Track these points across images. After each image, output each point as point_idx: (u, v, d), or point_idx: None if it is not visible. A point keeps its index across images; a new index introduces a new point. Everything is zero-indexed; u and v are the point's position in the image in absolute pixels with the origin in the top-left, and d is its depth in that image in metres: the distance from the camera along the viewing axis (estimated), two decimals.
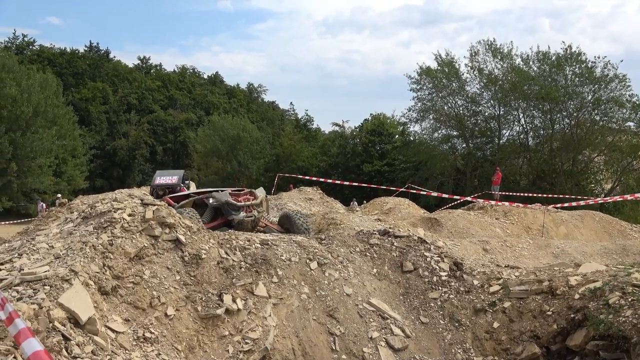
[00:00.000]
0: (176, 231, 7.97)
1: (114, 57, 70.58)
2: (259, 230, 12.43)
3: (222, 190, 12.64)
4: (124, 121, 61.00)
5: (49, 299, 6.09)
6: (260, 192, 13.00)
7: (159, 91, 66.40)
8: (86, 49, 67.69)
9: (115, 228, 7.56)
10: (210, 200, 11.99)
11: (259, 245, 8.61)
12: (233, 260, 8.21)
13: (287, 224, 12.64)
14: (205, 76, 76.86)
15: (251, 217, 11.89)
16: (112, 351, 6.11)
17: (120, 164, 58.68)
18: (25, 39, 63.83)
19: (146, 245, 7.60)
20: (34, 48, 63.50)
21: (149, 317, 6.96)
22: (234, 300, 7.65)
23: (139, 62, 73.04)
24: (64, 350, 5.71)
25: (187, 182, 16.74)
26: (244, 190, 12.86)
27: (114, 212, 7.85)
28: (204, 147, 50.82)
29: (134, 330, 6.69)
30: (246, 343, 7.39)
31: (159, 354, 6.61)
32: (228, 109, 66.30)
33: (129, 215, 7.82)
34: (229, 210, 11.81)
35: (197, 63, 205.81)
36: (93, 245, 7.20)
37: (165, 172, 15.97)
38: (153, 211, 7.99)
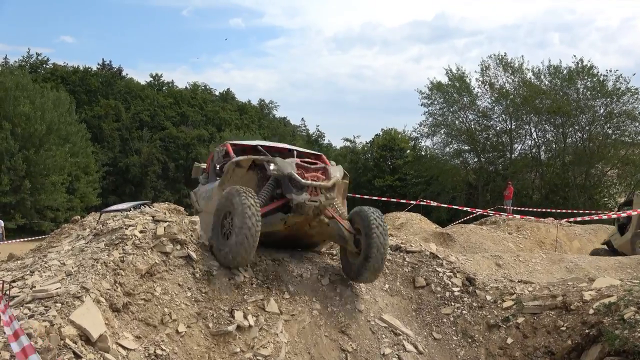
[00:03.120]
0: (187, 248, 7.96)
1: (127, 74, 71.00)
2: (322, 222, 8.93)
3: (289, 151, 10.11)
4: (136, 138, 61.22)
5: (60, 316, 6.09)
6: (337, 170, 9.07)
7: (171, 108, 66.61)
8: (99, 66, 68.13)
9: (126, 245, 7.56)
10: (271, 167, 8.55)
11: (270, 262, 8.57)
12: (244, 276, 8.17)
13: (360, 224, 8.84)
14: (217, 93, 77.16)
15: (316, 202, 8.43)
16: None
17: (133, 181, 58.83)
18: (39, 57, 64.46)
19: (157, 262, 7.59)
20: (48, 66, 63.98)
21: (160, 334, 6.93)
22: (245, 317, 7.61)
23: (151, 79, 73.45)
24: None
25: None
26: (317, 163, 9.18)
27: (125, 228, 7.85)
28: None
29: (145, 348, 6.66)
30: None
31: None
32: (240, 125, 66.52)
33: (140, 232, 7.82)
34: (290, 186, 8.46)
35: (208, 80, 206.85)
36: (104, 262, 7.20)
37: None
38: (164, 228, 7.99)
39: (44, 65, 64.08)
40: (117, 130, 60.29)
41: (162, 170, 60.48)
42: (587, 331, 7.64)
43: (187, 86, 74.74)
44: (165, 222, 8.10)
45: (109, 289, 6.89)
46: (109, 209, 15.27)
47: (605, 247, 19.25)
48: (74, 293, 6.51)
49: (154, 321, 7.01)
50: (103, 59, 69.92)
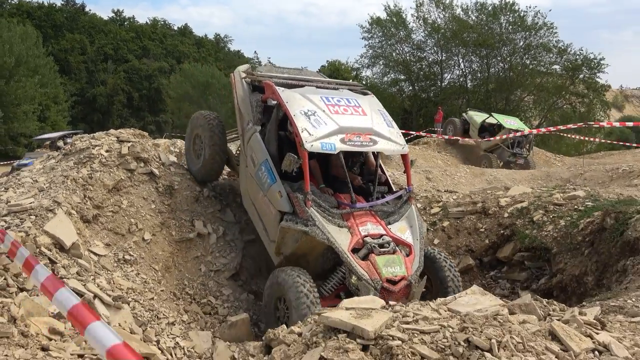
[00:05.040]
0: (150, 165, 7.85)
1: (90, 10, 68.08)
2: None
3: (385, 246, 5.89)
4: (101, 70, 59.29)
5: (34, 227, 6.01)
6: (422, 284, 5.96)
7: (133, 42, 64.40)
8: (63, 2, 65.06)
9: (94, 163, 7.41)
10: (352, 280, 5.71)
11: (226, 176, 8.54)
12: (203, 190, 8.15)
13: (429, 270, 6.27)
14: (176, 28, 74.76)
15: None
16: (95, 272, 6.08)
17: (100, 110, 57.21)
18: None
19: (123, 178, 7.49)
20: (13, 2, 60.76)
21: (128, 242, 6.93)
22: (204, 225, 7.64)
23: (113, 14, 70.57)
24: (51, 272, 5.67)
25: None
26: (401, 281, 5.74)
27: (92, 148, 7.68)
28: (177, 93, 49.90)
29: (114, 254, 6.65)
30: (217, 264, 7.43)
31: (138, 274, 6.61)
32: (197, 58, 64.85)
33: (106, 151, 7.66)
34: None
35: (167, 15, 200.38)
36: (74, 179, 7.06)
37: None
38: (128, 147, 7.83)
39: (9, 1, 60.83)
40: (83, 62, 58.27)
41: (127, 100, 59.01)
42: (502, 232, 7.94)
43: (148, 21, 72.31)
44: (129, 142, 7.94)
45: (79, 203, 6.79)
46: (41, 136, 15.07)
47: None
48: (46, 206, 6.40)
49: (121, 230, 6.99)
50: None
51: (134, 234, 7.05)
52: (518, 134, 19.19)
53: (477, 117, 22.75)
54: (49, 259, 5.75)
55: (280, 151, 6.60)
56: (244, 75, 7.76)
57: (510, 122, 21.82)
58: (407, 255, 5.96)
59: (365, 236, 5.84)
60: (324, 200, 6.08)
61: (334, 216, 5.93)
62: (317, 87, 7.21)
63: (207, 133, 7.79)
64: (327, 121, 6.24)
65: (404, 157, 6.96)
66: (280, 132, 6.97)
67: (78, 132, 19.72)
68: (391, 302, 4.65)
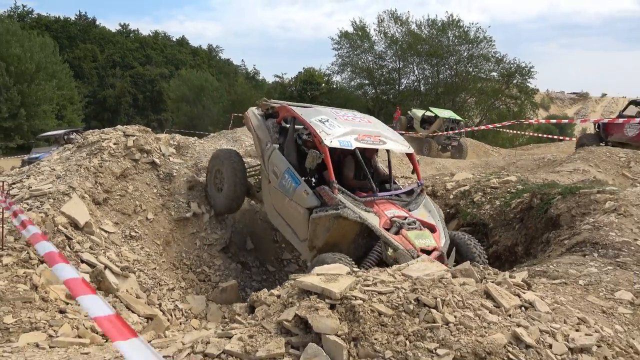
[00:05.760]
0: (152, 155, 7.74)
1: (100, 23, 66.44)
2: None
3: (411, 224, 5.40)
4: (110, 75, 58.08)
5: (53, 209, 5.93)
6: (452, 257, 5.53)
7: (137, 51, 63.21)
8: (76, 17, 63.52)
9: (103, 154, 7.31)
10: (389, 252, 5.19)
11: None
12: (198, 177, 8.08)
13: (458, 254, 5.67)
14: (174, 39, 73.44)
15: None
16: (105, 246, 6.03)
17: (110, 109, 56.13)
18: (25, 8, 59.35)
19: (129, 166, 7.39)
20: (33, 16, 58.99)
21: (134, 221, 6.86)
22: (199, 206, 7.58)
23: (120, 27, 69.05)
24: (67, 247, 5.61)
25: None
26: (434, 251, 5.27)
27: (102, 141, 7.56)
28: (175, 94, 49.33)
29: (122, 231, 6.59)
30: (209, 239, 7.40)
31: (143, 248, 6.57)
32: (193, 65, 63.79)
33: (114, 144, 7.55)
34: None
35: (167, 29, 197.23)
36: (86, 167, 6.96)
37: None
38: (133, 140, 7.73)
39: (30, 15, 59.15)
40: (95, 69, 57.13)
41: (132, 101, 58.02)
42: (448, 210, 7.98)
43: (150, 33, 70.83)
44: (134, 136, 7.84)
45: (91, 188, 6.71)
46: (46, 134, 14.80)
47: None
48: (63, 191, 6.32)
49: (128, 211, 6.92)
50: (80, 11, 65.48)
51: (138, 214, 6.98)
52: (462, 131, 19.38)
53: (419, 112, 23.14)
54: (66, 235, 5.69)
55: (299, 160, 6.30)
56: (256, 110, 7.52)
57: (444, 113, 22.20)
58: (433, 232, 5.54)
59: (392, 217, 5.41)
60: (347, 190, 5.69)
61: (359, 203, 5.49)
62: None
63: (228, 168, 7.15)
64: (340, 125, 6.04)
65: (410, 156, 6.57)
66: (298, 147, 6.63)
67: (79, 129, 19.48)
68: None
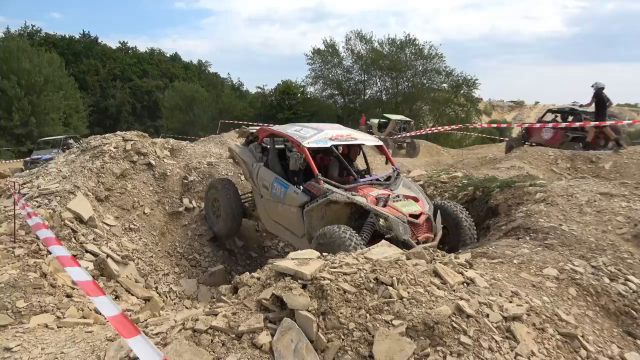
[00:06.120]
0: (148, 157, 7.63)
1: (102, 41, 64.99)
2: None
3: (396, 198, 5.30)
4: (111, 87, 56.75)
5: (60, 206, 5.80)
6: (439, 221, 5.32)
7: (135, 66, 61.94)
8: (80, 35, 62.00)
9: (105, 156, 7.16)
10: (381, 223, 4.93)
11: (206, 166, 8.38)
12: (190, 176, 7.99)
13: (447, 222, 5.46)
14: (168, 55, 72.27)
15: None
16: (107, 238, 5.93)
17: (111, 117, 54.88)
18: (34, 28, 57.74)
19: (127, 167, 7.26)
20: (41, 35, 57.34)
21: (132, 215, 6.75)
22: (190, 202, 7.51)
23: (120, 45, 67.64)
24: (73, 239, 5.49)
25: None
26: (421, 215, 5.17)
27: (104, 145, 7.42)
28: (170, 104, 48.63)
29: (122, 224, 6.48)
30: (199, 230, 7.32)
31: (141, 238, 6.47)
32: (185, 78, 62.78)
33: (114, 147, 7.42)
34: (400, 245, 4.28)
35: (162, 46, 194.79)
36: (90, 169, 6.82)
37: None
38: (131, 144, 7.60)
39: (38, 34, 57.55)
40: (97, 81, 55.81)
41: (132, 109, 56.89)
42: None
43: (147, 50, 69.55)
44: (132, 140, 7.71)
45: (94, 186, 6.58)
46: (45, 138, 14.44)
47: None
48: (69, 190, 6.18)
49: (127, 206, 6.80)
50: (83, 30, 63.83)
51: (137, 209, 6.87)
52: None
53: (375, 120, 23.78)
54: (71, 229, 5.57)
55: (285, 170, 6.18)
56: (237, 141, 7.35)
57: (396, 116, 22.71)
58: (416, 202, 5.38)
59: (377, 196, 5.23)
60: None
61: (344, 190, 5.31)
62: None
63: (223, 196, 6.85)
64: (314, 130, 5.99)
65: (381, 147, 6.52)
66: (281, 159, 6.44)
67: (77, 136, 19.26)
68: (421, 242, 4.75)
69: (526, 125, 14.26)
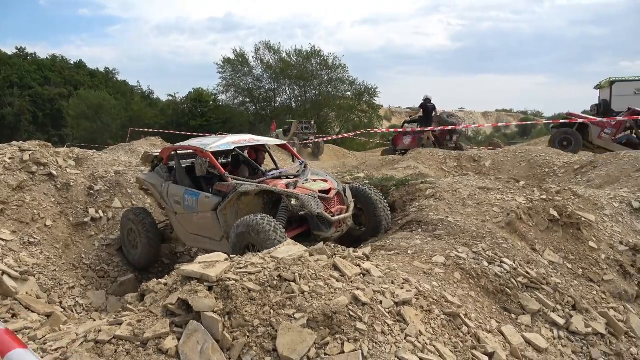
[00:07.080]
0: (49, 168, 7.03)
1: None
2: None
3: (305, 181, 5.36)
4: (8, 95, 51.44)
5: None
6: (349, 194, 5.44)
7: (35, 73, 56.71)
8: None
9: None
10: (293, 202, 4.82)
11: (112, 175, 7.89)
12: (95, 186, 7.48)
13: (363, 204, 5.58)
14: (72, 62, 67.11)
15: (339, 232, 5.11)
16: (3, 254, 5.37)
17: (9, 126, 49.58)
18: None
19: (25, 179, 6.63)
20: None
21: (32, 228, 6.16)
22: (96, 212, 7.02)
23: (17, 50, 61.74)
24: None
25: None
26: (331, 190, 5.25)
27: None
28: (75, 112, 45.18)
29: (20, 238, 5.89)
30: (108, 240, 6.88)
31: (42, 252, 5.93)
32: (92, 86, 58.67)
33: (9, 158, 6.74)
34: (318, 224, 4.89)
35: (65, 52, 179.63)
36: None
37: None
38: (29, 155, 6.96)
39: None
40: None
41: (32, 118, 51.88)
42: None
43: (48, 57, 64.04)
44: (30, 150, 7.06)
45: None
46: None
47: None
48: None
49: (26, 219, 6.20)
50: None
51: (37, 222, 6.29)
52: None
53: (279, 129, 24.53)
54: None
55: (193, 181, 5.92)
56: (143, 169, 7.08)
57: (298, 121, 24.00)
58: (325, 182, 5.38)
59: (286, 183, 5.16)
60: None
61: (252, 184, 5.13)
62: None
63: (139, 226, 6.33)
64: (217, 138, 5.97)
65: (284, 146, 6.60)
66: (187, 172, 6.09)
67: None
68: (335, 214, 4.86)
69: (393, 134, 15.87)
